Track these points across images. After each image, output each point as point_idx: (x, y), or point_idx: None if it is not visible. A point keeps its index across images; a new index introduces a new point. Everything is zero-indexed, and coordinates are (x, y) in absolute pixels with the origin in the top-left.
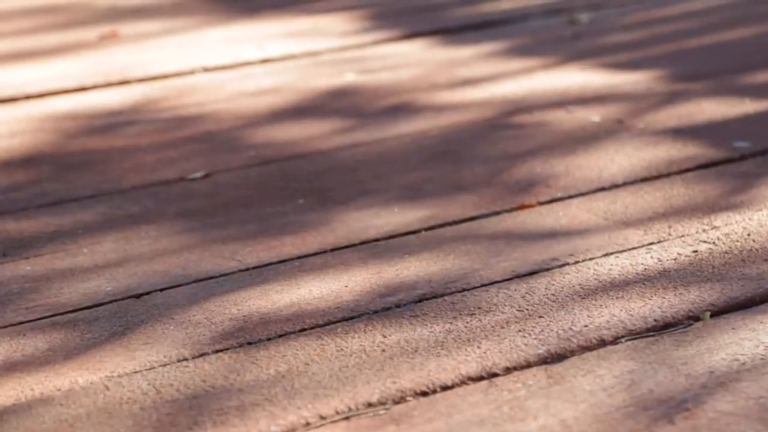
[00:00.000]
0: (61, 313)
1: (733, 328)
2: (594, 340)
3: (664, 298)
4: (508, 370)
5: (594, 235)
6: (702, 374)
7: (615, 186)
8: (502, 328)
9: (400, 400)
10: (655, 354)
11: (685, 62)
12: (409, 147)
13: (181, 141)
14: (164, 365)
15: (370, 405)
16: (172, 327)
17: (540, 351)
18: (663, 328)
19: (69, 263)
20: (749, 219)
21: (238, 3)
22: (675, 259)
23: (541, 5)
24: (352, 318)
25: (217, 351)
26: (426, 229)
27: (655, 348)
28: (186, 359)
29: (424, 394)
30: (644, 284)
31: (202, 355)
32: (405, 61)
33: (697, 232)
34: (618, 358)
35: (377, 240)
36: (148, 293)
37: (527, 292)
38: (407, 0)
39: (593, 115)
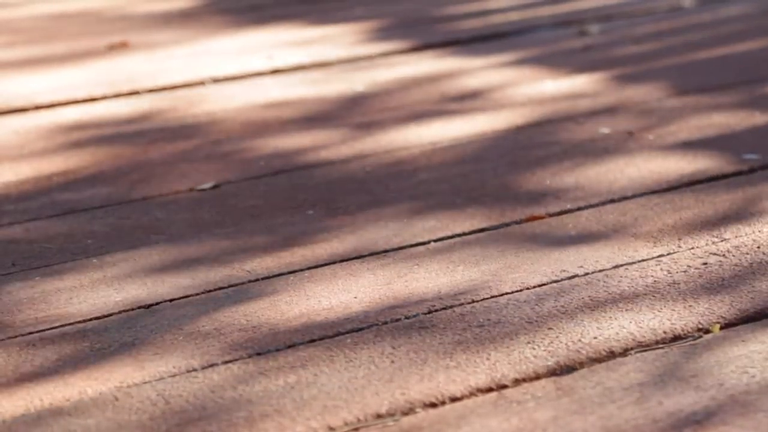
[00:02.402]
0: (71, 324)
1: (743, 341)
2: (603, 352)
3: (673, 310)
4: (517, 382)
5: (604, 246)
6: (712, 387)
7: (625, 198)
8: (512, 339)
9: (409, 411)
10: (664, 366)
11: (695, 74)
12: (419, 158)
13: (190, 151)
14: (173, 376)
15: (379, 416)
16: (181, 338)
17: (549, 363)
18: (673, 340)
19: (78, 273)
20: (759, 231)
21: (247, 13)
22: (685, 272)
23: (551, 16)
24: (361, 329)
25: (227, 362)
26: (435, 241)
27: (664, 360)
28: (195, 370)
29: (433, 405)
30: (654, 296)
31: (211, 365)
32: (415, 72)
33: (707, 245)
34: (627, 371)
35: (387, 251)
36: (157, 304)
37: (536, 304)
38: (417, 11)
39: (603, 127)
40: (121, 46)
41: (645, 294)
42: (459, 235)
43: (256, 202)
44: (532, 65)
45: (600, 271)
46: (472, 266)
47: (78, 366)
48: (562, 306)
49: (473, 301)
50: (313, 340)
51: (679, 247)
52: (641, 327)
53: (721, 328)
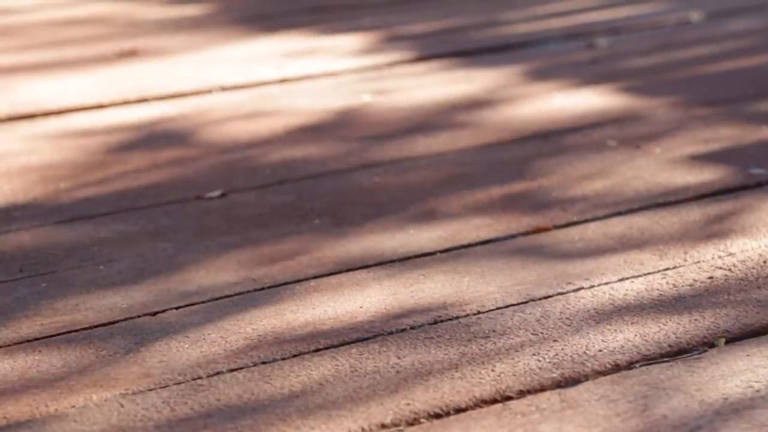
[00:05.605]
0: (77, 330)
1: (748, 355)
2: (608, 365)
3: (678, 323)
4: (521, 394)
5: (609, 259)
6: (716, 400)
7: (631, 211)
8: (517, 351)
9: (413, 421)
10: (669, 379)
11: (703, 88)
12: (426, 169)
13: (198, 159)
14: (179, 383)
15: (383, 426)
16: (187, 345)
17: (554, 375)
18: (677, 353)
19: (85, 280)
20: (765, 246)
21: (256, 21)
22: (690, 285)
23: (560, 29)
24: (366, 339)
25: (232, 370)
26: (441, 251)
27: (669, 373)
28: (200, 377)
29: (438, 416)
30: (659, 309)
31: (216, 373)
32: (422, 83)
33: (712, 258)
34: (632, 383)
35: (392, 261)
36: (163, 311)
37: (542, 316)
38: (425, 22)
39: (610, 140)
40: (131, 53)
41: (650, 307)
42: (465, 246)
43: (263, 211)
44: (539, 77)
45: (606, 283)
46: (478, 277)
47: (83, 372)
48: (568, 318)
49: (479, 312)
50: (318, 350)
51: (685, 260)
52: (646, 340)
53: (727, 342)
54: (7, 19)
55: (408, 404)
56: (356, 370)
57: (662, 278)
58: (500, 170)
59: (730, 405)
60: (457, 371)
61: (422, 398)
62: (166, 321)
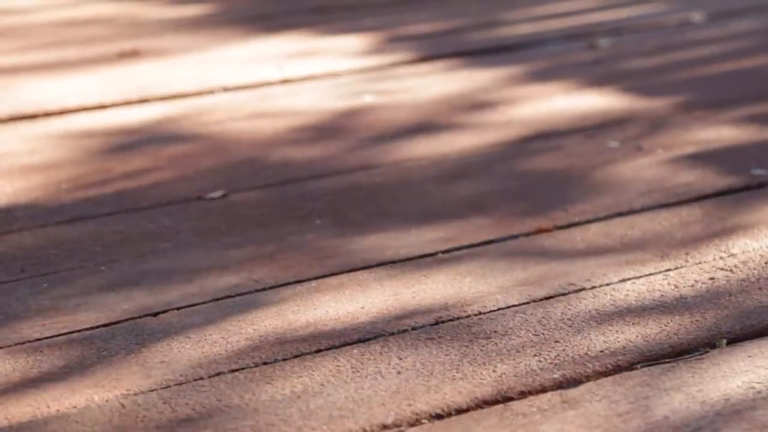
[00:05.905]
0: (78, 331)
1: (749, 356)
2: (609, 366)
3: (680, 324)
4: (523, 394)
5: (611, 260)
6: (717, 401)
7: (632, 211)
8: (518, 352)
9: (415, 422)
10: (670, 380)
11: (705, 89)
12: (427, 169)
13: (199, 160)
14: (180, 384)
15: (385, 427)
16: (188, 346)
17: (555, 375)
18: (679, 354)
19: (86, 280)
20: (767, 246)
21: (257, 22)
22: (692, 286)
23: (561, 30)
24: (368, 340)
25: (233, 370)
26: (443, 252)
27: (670, 374)
28: (202, 378)
29: (439, 417)
30: (660, 310)
31: (217, 374)
32: (424, 84)
33: (714, 259)
34: (633, 384)
35: (394, 262)
36: (164, 312)
37: (543, 317)
38: (427, 22)
39: (612, 140)
40: (132, 54)
41: (652, 308)
42: (467, 247)
43: (264, 212)
44: (541, 78)
45: (607, 284)
46: (480, 278)
47: (85, 373)
48: (569, 319)
49: (480, 313)
50: (319, 350)
51: (687, 261)
52: (648, 341)
53: (728, 342)
54: (9, 20)
55: (409, 405)
56: (357, 371)
57: (663, 279)
58: (502, 171)
59: (731, 406)
60: (458, 372)
61: (423, 399)
62: (168, 321)
